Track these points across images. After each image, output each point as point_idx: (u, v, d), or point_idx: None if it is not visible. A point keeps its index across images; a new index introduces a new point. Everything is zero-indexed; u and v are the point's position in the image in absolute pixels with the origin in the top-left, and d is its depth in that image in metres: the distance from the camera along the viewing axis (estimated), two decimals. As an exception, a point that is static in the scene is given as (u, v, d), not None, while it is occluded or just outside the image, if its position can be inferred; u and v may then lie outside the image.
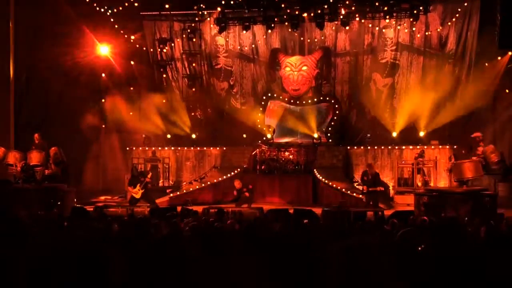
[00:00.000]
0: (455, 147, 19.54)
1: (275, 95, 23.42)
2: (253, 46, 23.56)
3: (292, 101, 23.16)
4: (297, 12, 21.08)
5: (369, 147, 21.19)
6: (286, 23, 21.81)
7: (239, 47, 23.76)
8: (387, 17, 21.16)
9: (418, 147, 20.26)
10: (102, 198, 20.75)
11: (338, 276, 2.09)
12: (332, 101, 22.86)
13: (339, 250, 2.14)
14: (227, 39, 23.71)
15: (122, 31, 22.48)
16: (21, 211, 11.44)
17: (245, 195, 17.83)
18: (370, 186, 16.79)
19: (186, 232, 6.98)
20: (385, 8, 20.81)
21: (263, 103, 23.36)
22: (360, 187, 17.51)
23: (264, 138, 22.45)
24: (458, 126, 20.28)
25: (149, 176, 18.02)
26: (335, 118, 22.65)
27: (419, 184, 19.12)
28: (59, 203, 15.15)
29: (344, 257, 2.12)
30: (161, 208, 15.23)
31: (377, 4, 20.66)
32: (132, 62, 23.71)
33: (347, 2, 20.58)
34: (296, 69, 22.81)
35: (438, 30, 21.80)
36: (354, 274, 2.06)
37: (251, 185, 18.28)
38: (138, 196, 17.33)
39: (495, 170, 15.57)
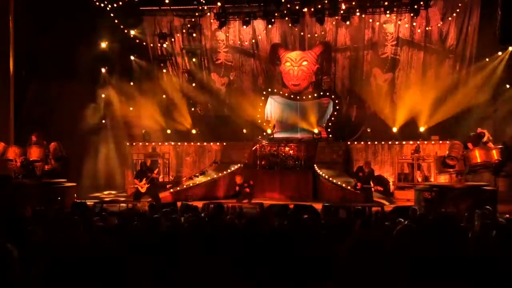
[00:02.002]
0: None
1: (275, 90, 23.41)
2: (253, 41, 23.52)
3: (292, 96, 23.15)
4: (297, 7, 21.04)
5: (369, 143, 21.18)
6: (287, 18, 21.77)
7: (239, 42, 23.73)
8: (388, 12, 21.11)
9: (418, 142, 20.24)
10: (105, 193, 20.86)
11: (348, 270, 2.07)
12: (332, 96, 22.84)
13: (351, 245, 2.13)
14: (227, 34, 23.67)
15: (122, 26, 22.45)
16: (26, 209, 11.42)
17: (246, 190, 17.85)
18: (364, 183, 16.85)
19: (186, 228, 6.97)
20: (386, 3, 20.77)
21: (263, 98, 23.35)
22: (355, 181, 17.47)
23: (264, 134, 22.45)
24: (459, 121, 20.25)
25: (155, 171, 18.05)
26: (335, 113, 22.64)
27: (419, 179, 19.12)
28: (59, 198, 15.13)
29: (356, 252, 2.11)
30: (162, 204, 15.24)
31: (377, -2, 20.66)
32: (132, 57, 23.70)
33: (347, -3, 20.57)
34: (296, 64, 22.79)
35: (439, 25, 21.77)
36: (365, 269, 2.05)
37: (252, 181, 18.29)
38: (143, 190, 17.35)
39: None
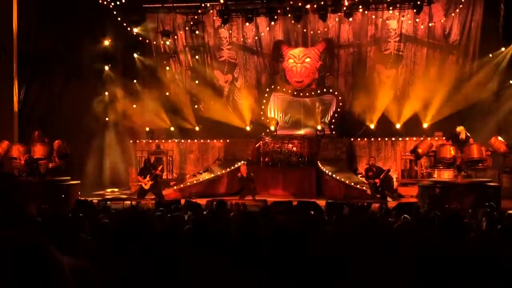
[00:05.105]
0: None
1: (278, 87, 23.40)
2: (256, 38, 23.49)
3: (295, 93, 23.13)
4: (300, 4, 21.01)
5: (372, 139, 21.20)
6: (289, 15, 21.74)
7: (242, 39, 23.71)
8: (391, 8, 21.10)
9: (421, 138, 20.20)
10: (109, 190, 20.91)
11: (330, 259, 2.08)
12: (336, 93, 22.83)
13: (333, 234, 2.14)
14: (230, 31, 23.64)
15: (125, 24, 22.45)
16: (30, 206, 11.48)
17: (251, 186, 17.83)
18: (378, 178, 17.00)
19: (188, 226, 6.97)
20: (388, -1, 20.76)
21: (266, 95, 23.35)
22: (371, 181, 17.42)
23: (268, 131, 22.43)
24: (462, 118, 20.21)
25: (159, 168, 18.07)
26: (338, 110, 22.64)
27: (423, 173, 19.08)
28: (63, 196, 15.18)
29: (338, 240, 2.11)
30: (165, 201, 15.27)
31: (380, -5, 20.62)
32: (135, 55, 23.70)
33: (350, -7, 20.54)
34: (299, 61, 22.77)
35: (442, 21, 21.72)
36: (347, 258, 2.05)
37: (252, 173, 18.24)
38: (147, 187, 17.40)
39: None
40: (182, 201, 13.67)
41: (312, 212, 9.39)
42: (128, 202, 15.29)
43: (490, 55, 20.65)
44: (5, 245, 1.56)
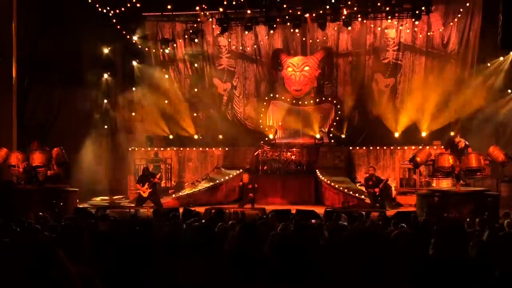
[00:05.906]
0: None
1: (277, 95, 23.41)
2: (255, 46, 23.52)
3: (294, 101, 23.15)
4: (299, 13, 21.07)
5: (371, 147, 21.23)
6: (288, 24, 21.79)
7: (241, 48, 23.74)
8: (389, 17, 21.13)
9: (420, 147, 20.22)
10: (114, 197, 20.92)
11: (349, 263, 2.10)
12: (334, 102, 22.85)
13: (353, 236, 2.16)
14: (229, 40, 23.68)
15: (124, 32, 22.48)
16: (28, 214, 11.48)
17: (250, 195, 17.69)
18: (377, 188, 17.05)
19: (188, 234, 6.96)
20: (387, 8, 20.78)
21: (265, 103, 23.37)
22: (371, 190, 17.45)
23: (267, 139, 22.44)
24: (461, 127, 20.25)
25: (157, 176, 18.07)
26: (337, 118, 22.65)
27: (422, 181, 19.09)
28: (61, 204, 15.15)
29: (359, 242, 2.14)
30: (164, 209, 15.26)
31: (379, 4, 20.61)
32: (134, 63, 23.73)
33: (349, 3, 20.52)
34: (298, 69, 22.80)
35: (440, 30, 21.77)
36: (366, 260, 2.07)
37: (257, 184, 18.16)
38: (145, 195, 17.40)
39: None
40: (181, 209, 13.65)
41: (314, 221, 9.41)
42: (127, 210, 15.29)
43: (489, 64, 20.70)
44: (18, 250, 1.62)
